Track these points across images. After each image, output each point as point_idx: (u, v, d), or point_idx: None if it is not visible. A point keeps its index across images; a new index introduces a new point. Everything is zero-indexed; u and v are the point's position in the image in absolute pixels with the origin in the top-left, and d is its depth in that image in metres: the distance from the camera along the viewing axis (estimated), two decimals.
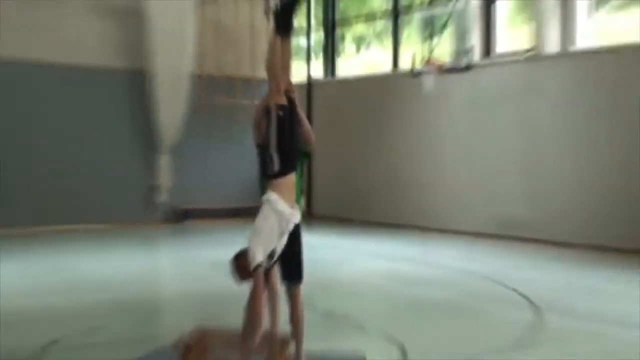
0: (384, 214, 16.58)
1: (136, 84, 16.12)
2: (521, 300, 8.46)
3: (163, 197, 16.52)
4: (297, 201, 5.40)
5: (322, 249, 12.52)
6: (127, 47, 16.14)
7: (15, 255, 11.74)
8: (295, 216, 5.13)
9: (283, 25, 5.23)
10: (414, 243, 13.79)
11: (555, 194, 13.44)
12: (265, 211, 4.98)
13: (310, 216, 18.17)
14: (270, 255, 5.00)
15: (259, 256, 4.84)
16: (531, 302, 8.25)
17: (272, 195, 5.00)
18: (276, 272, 5.39)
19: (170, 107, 16.29)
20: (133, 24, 16.02)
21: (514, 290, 8.98)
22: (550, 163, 13.57)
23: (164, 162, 16.45)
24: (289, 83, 5.32)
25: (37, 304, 8.21)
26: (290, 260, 5.40)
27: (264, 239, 4.92)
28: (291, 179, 5.12)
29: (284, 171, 5.07)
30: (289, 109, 5.19)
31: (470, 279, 9.96)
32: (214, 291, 8.74)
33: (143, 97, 16.18)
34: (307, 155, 5.70)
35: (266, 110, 5.21)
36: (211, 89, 17.04)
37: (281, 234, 5.02)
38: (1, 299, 8.33)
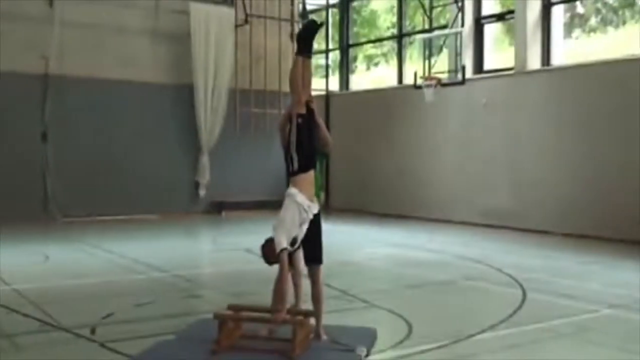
0: (391, 207, 16.45)
1: (183, 96, 16.10)
2: (508, 280, 8.30)
3: (203, 192, 16.49)
4: (317, 195, 5.36)
5: (337, 236, 12.38)
6: (176, 66, 16.13)
7: (80, 240, 11.71)
8: (313, 207, 5.09)
9: (304, 47, 5.29)
10: (416, 232, 13.63)
11: (535, 189, 13.32)
12: (287, 203, 5.02)
13: (328, 208, 18.06)
14: (293, 242, 5.00)
15: (283, 242, 4.90)
16: (516, 282, 8.09)
17: (292, 190, 5.04)
18: (300, 256, 5.28)
19: (211, 116, 16.32)
20: (181, 46, 16.02)
21: (502, 271, 8.83)
22: (531, 162, 13.45)
23: (205, 162, 16.41)
24: (310, 95, 5.33)
25: (97, 282, 8.14)
26: (312, 246, 5.34)
27: (287, 227, 4.95)
28: (309, 175, 5.13)
29: (302, 169, 5.09)
30: (308, 117, 5.22)
31: (465, 263, 9.79)
32: (247, 272, 8.64)
33: (188, 107, 16.16)
34: (326, 156, 5.59)
35: (289, 118, 5.24)
36: (244, 101, 16.99)
37: (301, 223, 5.03)
38: (69, 278, 8.32)
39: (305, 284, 5.51)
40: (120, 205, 15.15)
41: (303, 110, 5.19)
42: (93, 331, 5.65)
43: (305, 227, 5.07)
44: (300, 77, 5.23)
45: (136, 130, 15.59)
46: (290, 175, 5.14)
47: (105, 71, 15.13)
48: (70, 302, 7.06)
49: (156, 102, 15.91)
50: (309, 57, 5.35)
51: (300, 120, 5.15)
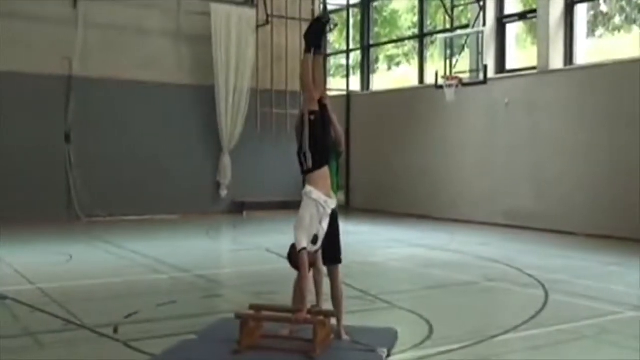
0: (411, 207, 16.40)
1: (204, 97, 16.18)
2: (530, 281, 8.24)
3: (225, 192, 16.56)
4: (335, 195, 5.33)
5: (358, 236, 12.39)
6: (197, 67, 16.21)
7: (102, 240, 11.82)
8: (331, 202, 5.09)
9: (313, 44, 5.28)
10: (437, 232, 13.57)
11: (558, 189, 13.21)
12: (304, 202, 5.03)
13: (349, 208, 18.06)
14: (315, 240, 5.00)
15: (303, 242, 4.92)
16: (539, 283, 8.04)
17: (307, 188, 5.05)
18: (319, 254, 5.25)
19: (232, 116, 16.39)
20: (202, 47, 16.10)
21: (524, 272, 8.77)
22: (553, 162, 13.34)
23: (226, 162, 16.48)
24: (323, 92, 5.33)
25: (120, 282, 8.22)
26: (330, 246, 5.34)
27: (306, 226, 4.96)
28: (324, 172, 5.12)
29: (316, 166, 5.09)
30: (321, 114, 5.19)
31: (486, 263, 9.74)
32: (268, 272, 8.67)
33: (210, 108, 16.24)
34: (339, 155, 5.56)
35: (302, 116, 5.23)
36: (265, 101, 17.05)
37: (321, 220, 5.02)
38: (92, 277, 8.40)
39: (325, 284, 5.52)
40: (143, 206, 15.26)
41: (315, 107, 5.17)
42: (116, 330, 5.71)
43: (325, 223, 5.06)
44: (310, 75, 5.22)
45: (158, 130, 15.70)
46: (305, 173, 5.13)
47: (127, 72, 15.26)
48: (93, 301, 7.13)
49: (178, 103, 16.01)
50: (319, 54, 5.36)
51: (312, 117, 5.13)
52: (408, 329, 5.88)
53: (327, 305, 5.50)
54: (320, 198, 5.00)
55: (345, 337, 5.30)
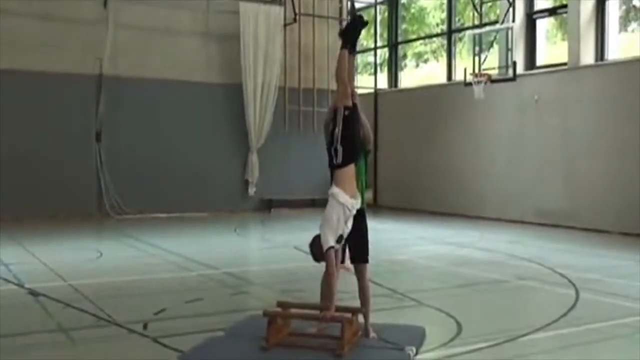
0: (440, 204, 16.32)
1: (232, 95, 16.27)
2: (561, 279, 8.14)
3: (253, 190, 16.64)
4: (363, 194, 5.35)
5: (386, 234, 12.36)
6: (226, 66, 16.31)
7: (132, 237, 11.95)
8: (356, 203, 5.08)
9: (350, 41, 5.32)
10: (466, 230, 13.48)
11: (590, 187, 13.03)
12: (330, 203, 5.03)
13: (377, 206, 18.03)
14: (339, 239, 5.03)
15: (330, 240, 4.94)
16: (570, 282, 7.94)
17: (334, 189, 5.04)
18: (339, 254, 5.20)
19: (260, 114, 16.45)
20: (230, 45, 16.18)
21: (555, 271, 8.67)
22: (585, 160, 13.17)
23: (254, 160, 16.55)
24: (353, 90, 5.32)
25: (149, 279, 8.30)
26: (358, 245, 5.36)
27: (333, 226, 4.97)
28: (351, 169, 5.12)
29: (346, 162, 5.08)
30: (354, 111, 5.19)
31: (516, 262, 9.65)
32: (295, 269, 8.68)
33: (238, 106, 16.32)
34: (367, 154, 5.54)
35: (334, 111, 5.21)
36: (293, 99, 17.09)
37: (346, 220, 5.04)
38: (122, 274, 8.50)
39: (353, 283, 5.51)
40: (172, 203, 15.40)
41: (350, 103, 5.17)
42: (145, 327, 5.77)
43: (350, 223, 5.07)
44: (346, 70, 5.25)
45: (187, 129, 15.83)
46: (334, 168, 5.14)
47: (156, 71, 15.41)
48: (123, 298, 7.21)
49: (206, 102, 16.12)
50: (353, 53, 5.39)
51: (347, 112, 5.13)
52: (436, 328, 5.84)
53: (353, 304, 5.49)
54: (347, 202, 5.01)
55: (372, 335, 5.29)
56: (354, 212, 5.08)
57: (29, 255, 9.76)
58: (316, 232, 5.09)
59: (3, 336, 5.58)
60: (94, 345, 5.47)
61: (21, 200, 13.91)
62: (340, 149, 5.06)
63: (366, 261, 5.42)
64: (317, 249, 5.03)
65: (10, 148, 13.96)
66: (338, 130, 5.08)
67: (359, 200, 5.13)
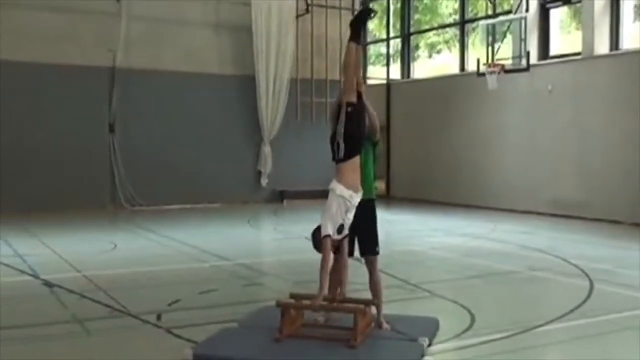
0: (452, 195, 16.26)
1: (245, 87, 16.30)
2: (575, 270, 8.09)
3: (265, 181, 16.66)
4: (371, 186, 5.37)
5: (399, 225, 12.36)
6: (238, 57, 16.31)
7: (146, 228, 12.00)
8: (356, 196, 5.08)
9: (357, 33, 5.29)
10: (479, 221, 13.42)
11: (604, 177, 12.94)
12: (330, 196, 5.08)
13: (389, 197, 17.99)
14: (340, 229, 5.04)
15: (328, 229, 4.99)
16: (584, 273, 7.89)
17: (333, 184, 5.08)
18: (345, 245, 5.20)
19: (272, 106, 16.45)
20: (243, 37, 16.17)
21: (568, 262, 8.61)
22: (599, 150, 13.07)
23: (266, 151, 16.56)
24: (360, 79, 5.32)
25: (163, 269, 8.33)
26: (366, 237, 5.36)
27: (332, 215, 5.02)
28: (353, 162, 5.12)
29: (347, 156, 5.10)
30: (358, 105, 5.20)
31: (529, 253, 9.60)
32: (308, 260, 8.64)
33: (250, 98, 16.33)
34: (375, 144, 5.50)
35: (339, 105, 5.22)
36: (305, 90, 17.06)
37: (347, 211, 5.06)
38: (136, 265, 8.54)
39: (366, 274, 5.50)
40: (185, 194, 15.46)
41: (353, 99, 5.17)
42: (159, 317, 5.79)
43: (351, 214, 5.08)
44: (354, 64, 5.23)
45: (199, 121, 15.87)
46: (336, 162, 5.15)
47: (169, 63, 15.45)
48: (137, 289, 7.25)
49: (219, 94, 16.14)
50: (360, 44, 5.36)
51: (350, 109, 5.13)
52: (449, 319, 5.82)
53: (367, 296, 5.48)
54: (344, 193, 5.03)
55: (385, 326, 5.28)
56: (355, 203, 5.08)
57: (44, 247, 9.83)
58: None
59: (19, 327, 5.63)
60: (108, 335, 5.50)
61: (35, 192, 14.02)
62: (342, 144, 5.08)
63: (376, 253, 5.40)
64: (317, 239, 5.08)
65: (24, 140, 14.05)
66: (340, 127, 5.09)
67: (361, 192, 5.12)
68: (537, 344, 5.31)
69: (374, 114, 5.45)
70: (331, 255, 5.00)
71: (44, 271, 7.87)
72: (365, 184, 5.24)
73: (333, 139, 5.15)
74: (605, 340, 5.44)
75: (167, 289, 7.16)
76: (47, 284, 7.23)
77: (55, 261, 8.73)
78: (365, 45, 20.89)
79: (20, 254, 9.07)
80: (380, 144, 5.60)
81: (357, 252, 5.46)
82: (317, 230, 5.07)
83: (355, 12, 16.85)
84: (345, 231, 5.10)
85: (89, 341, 5.37)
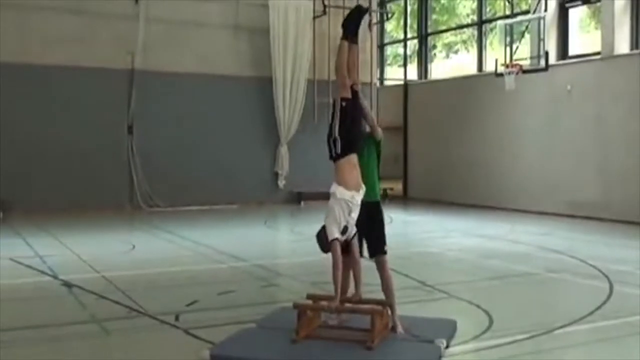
0: (469, 196, 16.18)
1: (262, 89, 16.31)
2: (594, 272, 8.01)
3: (282, 182, 16.67)
4: (375, 187, 5.34)
5: (415, 226, 12.31)
6: (256, 59, 16.34)
7: (164, 229, 12.05)
8: (357, 195, 5.08)
9: (350, 32, 5.35)
10: (496, 222, 13.34)
11: (624, 178, 12.80)
12: (331, 201, 5.10)
13: (407, 198, 17.94)
14: (344, 230, 5.05)
15: (334, 232, 5.00)
16: (603, 274, 7.81)
17: (333, 187, 5.09)
18: (355, 243, 5.20)
19: (289, 107, 16.46)
20: (260, 39, 16.20)
21: (587, 263, 8.53)
22: (619, 151, 12.94)
23: (283, 153, 16.57)
24: (355, 79, 5.33)
25: (181, 270, 8.36)
26: (373, 237, 5.36)
27: (336, 218, 5.04)
28: (352, 159, 5.11)
29: (345, 152, 5.09)
30: (353, 101, 5.20)
31: (547, 254, 9.52)
32: (325, 262, 8.64)
33: (268, 99, 16.35)
34: (377, 144, 5.46)
35: (334, 103, 5.26)
36: (322, 92, 17.01)
37: (350, 212, 5.06)
38: (154, 266, 8.57)
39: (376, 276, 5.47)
40: (202, 196, 15.50)
41: (348, 95, 5.18)
42: (177, 318, 5.82)
43: (355, 214, 5.08)
44: (345, 62, 5.25)
45: (217, 122, 15.91)
46: (333, 159, 5.14)
47: (187, 65, 15.51)
48: (155, 290, 7.28)
49: (236, 95, 16.18)
50: (355, 43, 5.37)
51: (344, 104, 5.14)
52: (467, 320, 5.79)
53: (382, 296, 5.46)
54: (345, 196, 5.03)
55: (400, 330, 5.23)
56: (358, 202, 5.08)
57: (63, 247, 9.90)
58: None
59: (38, 327, 5.67)
60: (126, 336, 5.53)
61: (54, 192, 14.14)
62: (338, 140, 5.08)
63: (384, 252, 5.39)
64: (322, 240, 5.10)
65: (43, 141, 14.18)
66: (335, 123, 5.10)
67: (363, 189, 5.11)
68: (557, 346, 5.26)
69: (370, 113, 5.46)
70: (341, 258, 4.99)
71: (63, 272, 7.93)
72: (369, 186, 5.22)
73: (330, 136, 5.16)
74: (626, 343, 5.36)
75: (185, 289, 7.18)
76: (66, 284, 7.29)
77: (74, 262, 8.79)
78: (382, 46, 20.86)
79: (40, 255, 9.14)
80: (382, 143, 5.51)
81: (366, 253, 5.44)
82: (321, 231, 5.09)
83: (375, 13, 16.84)
84: (350, 231, 5.08)
85: (108, 341, 5.40)
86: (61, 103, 14.42)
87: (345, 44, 5.29)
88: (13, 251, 9.36)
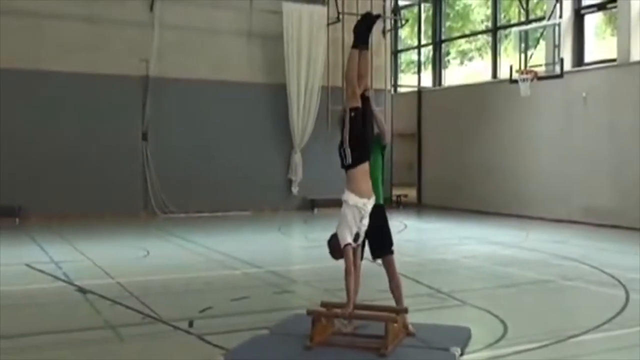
0: (484, 203, 16.11)
1: (276, 95, 16.35)
2: (609, 280, 7.95)
3: (296, 189, 16.68)
4: (379, 190, 5.37)
5: (429, 233, 12.27)
6: (269, 66, 16.38)
7: (178, 236, 12.10)
8: (369, 203, 5.12)
9: (360, 40, 5.33)
10: (511, 229, 13.27)
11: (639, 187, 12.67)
12: (343, 208, 5.14)
13: (421, 205, 17.90)
14: (356, 237, 5.10)
15: (347, 238, 5.04)
16: (619, 282, 7.75)
17: (344, 195, 5.14)
18: (359, 251, 5.30)
19: (303, 114, 16.48)
20: (274, 45, 16.24)
21: (603, 271, 8.47)
22: (635, 158, 12.82)
23: (297, 160, 16.59)
24: (366, 85, 5.35)
25: (195, 277, 8.39)
26: (378, 237, 5.40)
27: (348, 224, 5.07)
28: (364, 168, 5.15)
29: (356, 162, 5.12)
30: (363, 110, 5.21)
31: (562, 261, 9.46)
32: (339, 269, 8.64)
33: (281, 106, 16.38)
34: (383, 148, 5.49)
35: (344, 112, 5.27)
36: (336, 99, 17.02)
37: (361, 219, 5.10)
38: (168, 272, 8.60)
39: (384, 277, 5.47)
40: (216, 202, 15.55)
41: (357, 104, 5.18)
42: (191, 324, 5.83)
43: (366, 220, 5.12)
44: (356, 71, 5.25)
45: (231, 129, 15.97)
46: (345, 168, 5.17)
47: (201, 72, 15.59)
48: (169, 296, 7.31)
49: (250, 102, 16.23)
50: (366, 49, 5.36)
51: (353, 114, 5.15)
52: (481, 328, 5.77)
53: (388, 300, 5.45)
54: (358, 203, 5.07)
55: (411, 329, 5.24)
56: (369, 209, 5.12)
57: (78, 253, 9.97)
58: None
59: (53, 332, 5.71)
60: (140, 341, 5.56)
61: (69, 199, 14.24)
62: (348, 150, 5.11)
63: (391, 252, 5.43)
64: (334, 247, 5.13)
65: (58, 148, 14.29)
66: (345, 133, 5.12)
67: (373, 198, 5.15)
68: (572, 354, 5.22)
69: (382, 118, 5.47)
70: (353, 264, 5.02)
71: (78, 277, 7.98)
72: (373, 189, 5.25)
73: (340, 145, 5.18)
74: None
75: (199, 295, 7.21)
76: (81, 290, 7.33)
77: (89, 267, 8.84)
78: (396, 53, 20.86)
79: (55, 261, 9.21)
80: (387, 148, 5.55)
81: (368, 254, 5.48)
82: (333, 238, 5.13)
83: (392, 20, 16.86)
84: (361, 238, 5.15)
85: (122, 347, 5.43)
86: (76, 110, 14.54)
87: (356, 52, 5.29)
88: (28, 257, 9.44)
